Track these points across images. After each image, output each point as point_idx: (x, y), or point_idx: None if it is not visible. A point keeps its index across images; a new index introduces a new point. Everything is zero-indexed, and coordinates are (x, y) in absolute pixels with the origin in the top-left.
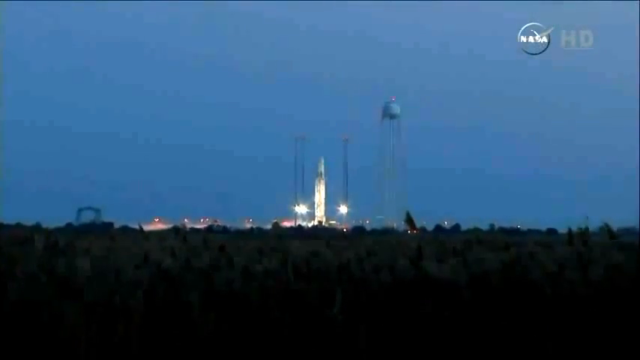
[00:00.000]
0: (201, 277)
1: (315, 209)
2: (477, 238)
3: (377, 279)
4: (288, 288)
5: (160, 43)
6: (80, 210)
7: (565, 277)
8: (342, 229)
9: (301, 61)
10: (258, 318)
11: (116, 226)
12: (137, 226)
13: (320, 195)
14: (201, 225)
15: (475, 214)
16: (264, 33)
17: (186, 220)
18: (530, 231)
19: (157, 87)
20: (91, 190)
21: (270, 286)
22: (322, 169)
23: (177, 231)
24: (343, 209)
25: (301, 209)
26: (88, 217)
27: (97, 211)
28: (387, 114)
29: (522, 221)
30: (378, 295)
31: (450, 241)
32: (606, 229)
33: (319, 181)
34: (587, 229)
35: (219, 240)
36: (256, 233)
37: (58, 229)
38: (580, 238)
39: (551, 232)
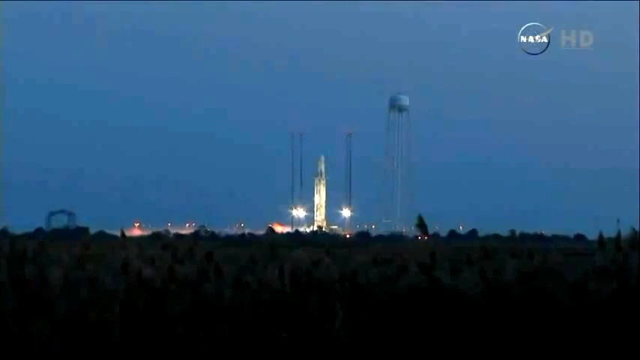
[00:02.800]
0: (187, 288)
1: (314, 213)
2: (495, 246)
3: (384, 291)
4: (284, 301)
5: (148, 31)
6: (51, 214)
7: (593, 288)
8: (345, 235)
9: (297, 46)
10: (251, 334)
11: (91, 231)
12: (116, 232)
13: (320, 197)
14: (186, 230)
15: (494, 218)
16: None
17: (169, 224)
18: (555, 237)
19: (139, 74)
20: (63, 192)
21: (265, 298)
22: (322, 167)
23: (159, 237)
24: (346, 212)
25: (299, 213)
26: (59, 221)
27: (70, 214)
28: (395, 106)
29: (547, 226)
30: (385, 308)
31: (465, 249)
32: None
33: (319, 181)
34: (619, 234)
35: (207, 247)
36: (248, 239)
37: (27, 235)
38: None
39: (580, 238)
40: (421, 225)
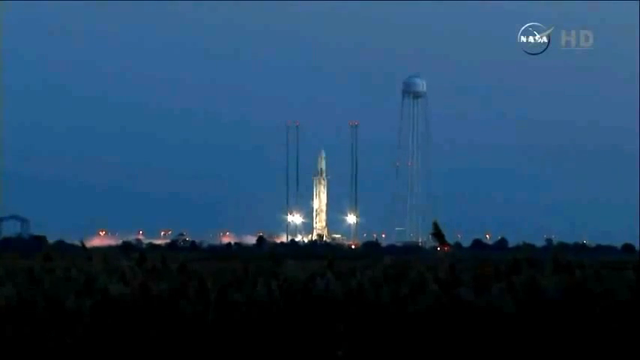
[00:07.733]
0: (162, 306)
1: (313, 219)
2: (528, 257)
3: (397, 310)
4: (279, 322)
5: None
6: (1, 220)
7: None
8: (350, 246)
9: (293, 28)
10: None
11: (49, 240)
12: (79, 242)
13: (320, 200)
14: (161, 240)
15: (526, 225)
16: None
17: (140, 233)
18: (600, 247)
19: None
20: (16, 195)
21: (255, 319)
22: (323, 164)
23: (129, 248)
24: (351, 219)
25: (295, 219)
26: (11, 229)
27: (24, 221)
28: (410, 92)
29: (590, 235)
30: (398, 332)
31: (493, 261)
32: None
33: (319, 182)
34: None
35: (185, 259)
36: (236, 250)
37: None
38: None
39: (629, 248)
40: (437, 234)
